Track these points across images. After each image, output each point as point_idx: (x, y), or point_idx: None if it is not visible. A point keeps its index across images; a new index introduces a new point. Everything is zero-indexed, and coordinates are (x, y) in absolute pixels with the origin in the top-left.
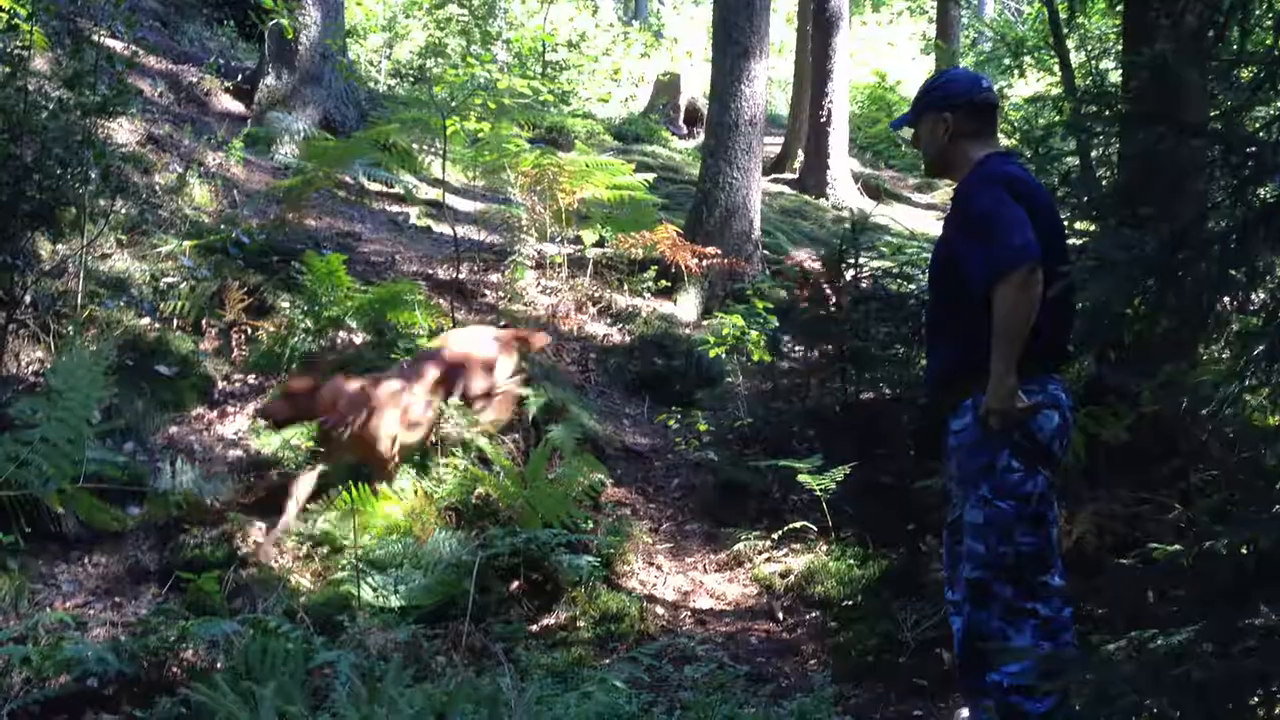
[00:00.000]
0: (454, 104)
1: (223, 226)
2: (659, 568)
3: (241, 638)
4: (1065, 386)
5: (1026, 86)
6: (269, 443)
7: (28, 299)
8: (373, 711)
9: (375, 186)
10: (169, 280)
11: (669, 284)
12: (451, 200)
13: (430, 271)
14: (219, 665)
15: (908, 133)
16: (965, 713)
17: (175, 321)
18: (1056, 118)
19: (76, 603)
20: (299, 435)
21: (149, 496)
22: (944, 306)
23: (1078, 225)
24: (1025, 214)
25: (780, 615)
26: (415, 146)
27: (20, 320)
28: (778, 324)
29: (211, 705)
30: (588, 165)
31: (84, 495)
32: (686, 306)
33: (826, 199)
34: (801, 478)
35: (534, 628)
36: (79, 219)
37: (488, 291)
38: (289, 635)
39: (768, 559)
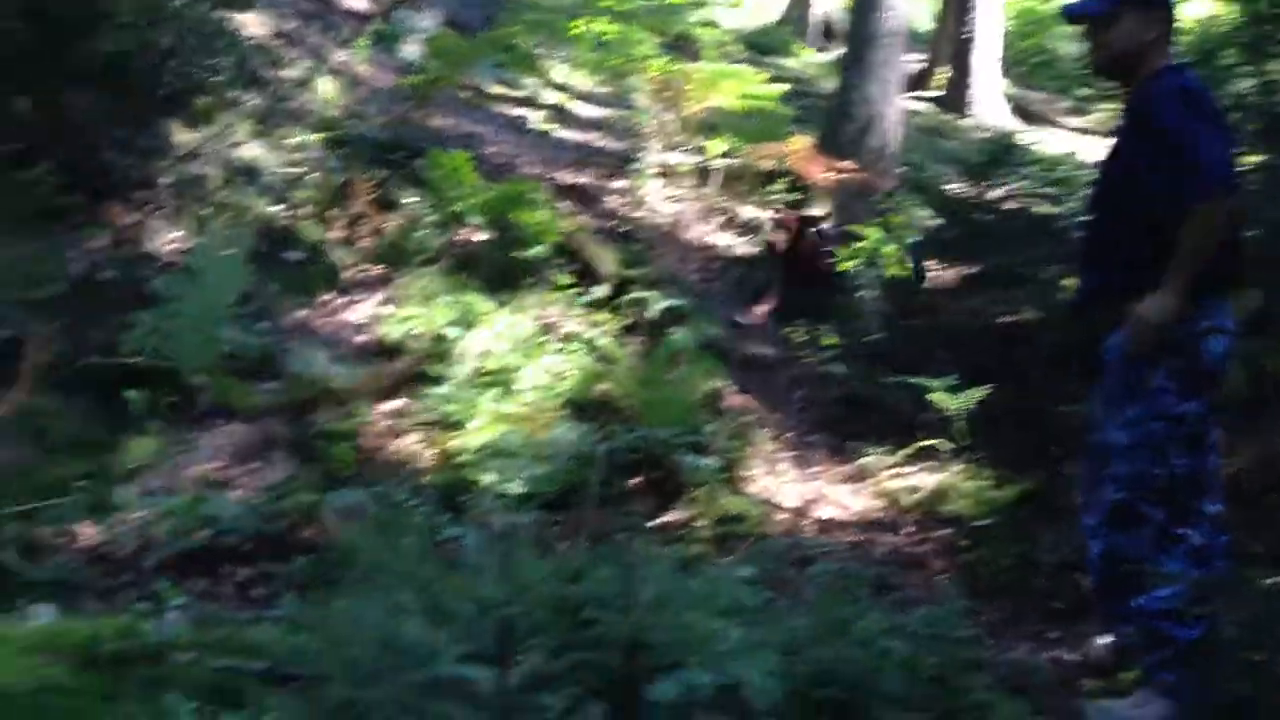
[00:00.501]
0: (581, 6)
1: (350, 121)
2: (781, 475)
3: (371, 508)
4: (1232, 313)
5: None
6: (394, 330)
7: (165, 182)
8: (510, 565)
9: (498, 89)
10: (298, 170)
11: (798, 197)
12: (575, 105)
13: (551, 175)
14: (346, 533)
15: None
16: (1104, 639)
17: (304, 210)
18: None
19: (215, 466)
20: (419, 322)
21: (282, 376)
22: (1109, 224)
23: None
24: (1220, 134)
25: (907, 530)
26: (540, 49)
27: (158, 203)
28: (915, 240)
29: (352, 551)
30: (717, 73)
31: (220, 371)
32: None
33: (970, 118)
34: (935, 396)
35: (653, 524)
36: (212, 107)
37: (609, 198)
38: (416, 509)
39: (895, 475)
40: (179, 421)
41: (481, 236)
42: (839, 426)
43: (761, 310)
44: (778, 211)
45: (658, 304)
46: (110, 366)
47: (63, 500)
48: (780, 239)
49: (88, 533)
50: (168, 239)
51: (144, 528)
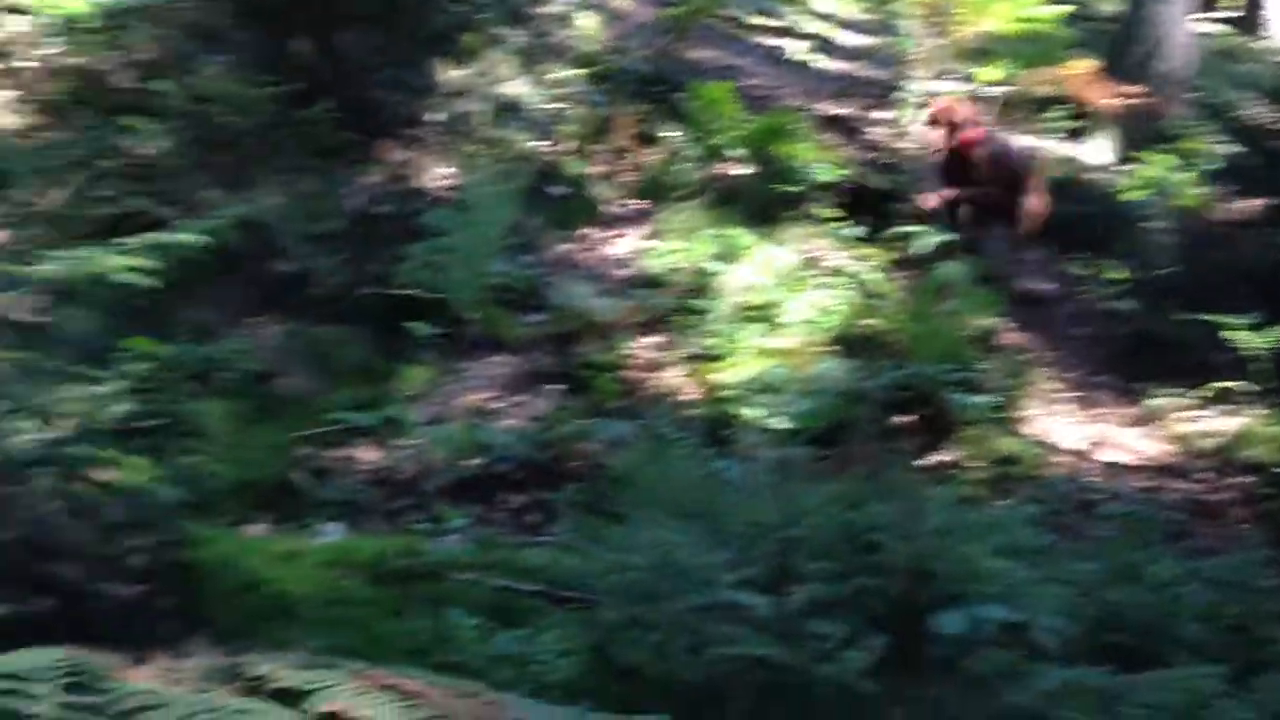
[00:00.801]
0: None
1: (611, 55)
2: (1060, 416)
3: (637, 439)
4: None
5: None
6: (656, 264)
7: (433, 119)
8: (788, 490)
9: (758, 19)
10: (561, 106)
11: (1079, 125)
12: (836, 34)
13: (813, 107)
14: (614, 462)
15: None
16: None
17: (566, 145)
18: None
19: (485, 396)
20: (681, 256)
21: (547, 309)
22: None
23: None
24: None
25: (1202, 476)
26: None
27: (427, 140)
28: (1208, 170)
29: (625, 479)
30: None
31: (488, 302)
32: (1099, 149)
33: (1266, 40)
34: (1234, 334)
35: (922, 463)
36: (478, 45)
37: (872, 129)
38: (680, 442)
39: (1188, 418)
40: (450, 351)
41: (742, 170)
42: (1125, 366)
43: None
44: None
45: (926, 237)
46: (386, 298)
47: (346, 425)
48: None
49: (370, 456)
50: (437, 175)
51: (422, 453)
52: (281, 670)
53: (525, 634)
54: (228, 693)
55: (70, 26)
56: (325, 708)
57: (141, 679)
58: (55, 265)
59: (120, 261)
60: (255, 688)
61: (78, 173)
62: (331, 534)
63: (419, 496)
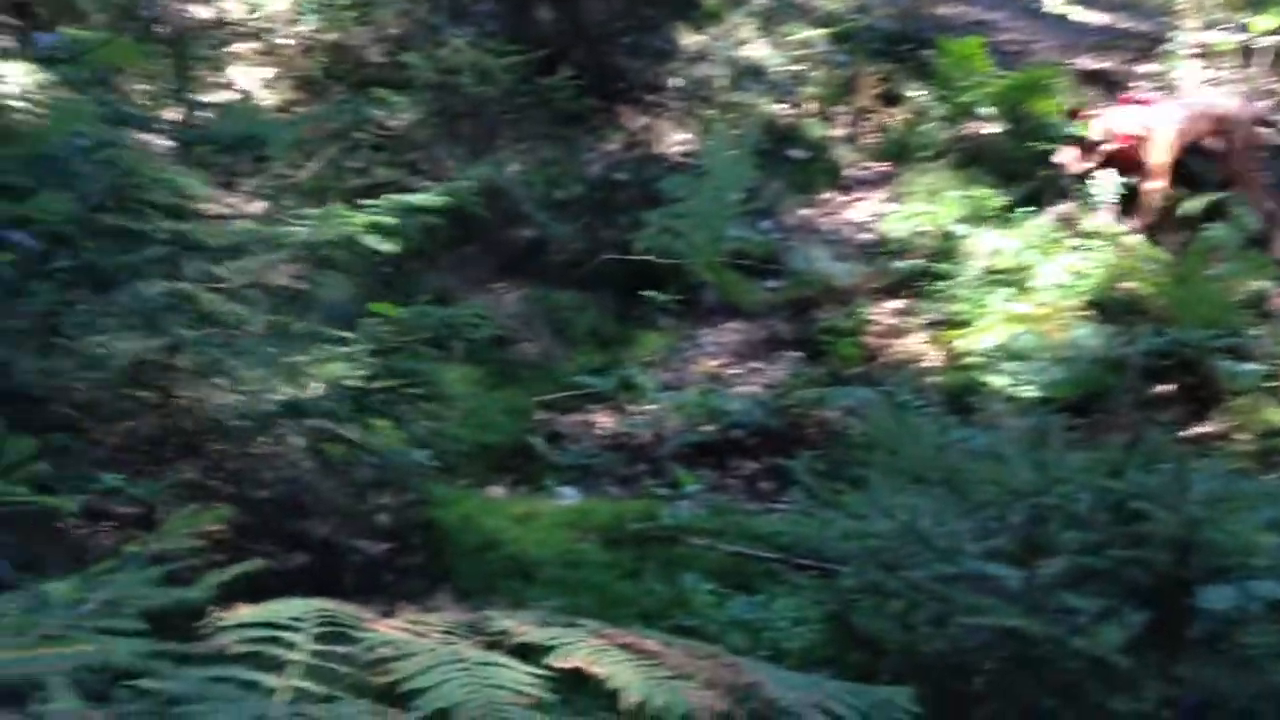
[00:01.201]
0: None
1: (854, 14)
2: None
3: (875, 407)
4: None
5: None
6: (899, 227)
7: (673, 84)
8: (1037, 457)
9: None
10: (802, 68)
11: None
12: None
13: (1070, 61)
14: (853, 429)
15: None
16: None
17: (807, 108)
18: None
19: (720, 362)
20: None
21: (784, 274)
22: None
23: None
24: None
25: None
26: None
27: (667, 105)
28: None
29: (864, 445)
30: None
31: (725, 268)
32: None
33: None
34: None
35: (1185, 434)
36: (719, 8)
37: (1137, 83)
38: (921, 410)
39: None
40: (687, 317)
41: (992, 128)
42: None
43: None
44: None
45: (1193, 198)
46: (624, 264)
47: (584, 390)
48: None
49: (607, 421)
50: (676, 140)
51: (658, 418)
52: (522, 626)
53: (761, 600)
54: (471, 646)
55: (324, 4)
56: (564, 663)
57: (390, 630)
58: (306, 227)
59: (364, 220)
60: (497, 642)
61: (331, 145)
62: (569, 497)
63: (654, 461)
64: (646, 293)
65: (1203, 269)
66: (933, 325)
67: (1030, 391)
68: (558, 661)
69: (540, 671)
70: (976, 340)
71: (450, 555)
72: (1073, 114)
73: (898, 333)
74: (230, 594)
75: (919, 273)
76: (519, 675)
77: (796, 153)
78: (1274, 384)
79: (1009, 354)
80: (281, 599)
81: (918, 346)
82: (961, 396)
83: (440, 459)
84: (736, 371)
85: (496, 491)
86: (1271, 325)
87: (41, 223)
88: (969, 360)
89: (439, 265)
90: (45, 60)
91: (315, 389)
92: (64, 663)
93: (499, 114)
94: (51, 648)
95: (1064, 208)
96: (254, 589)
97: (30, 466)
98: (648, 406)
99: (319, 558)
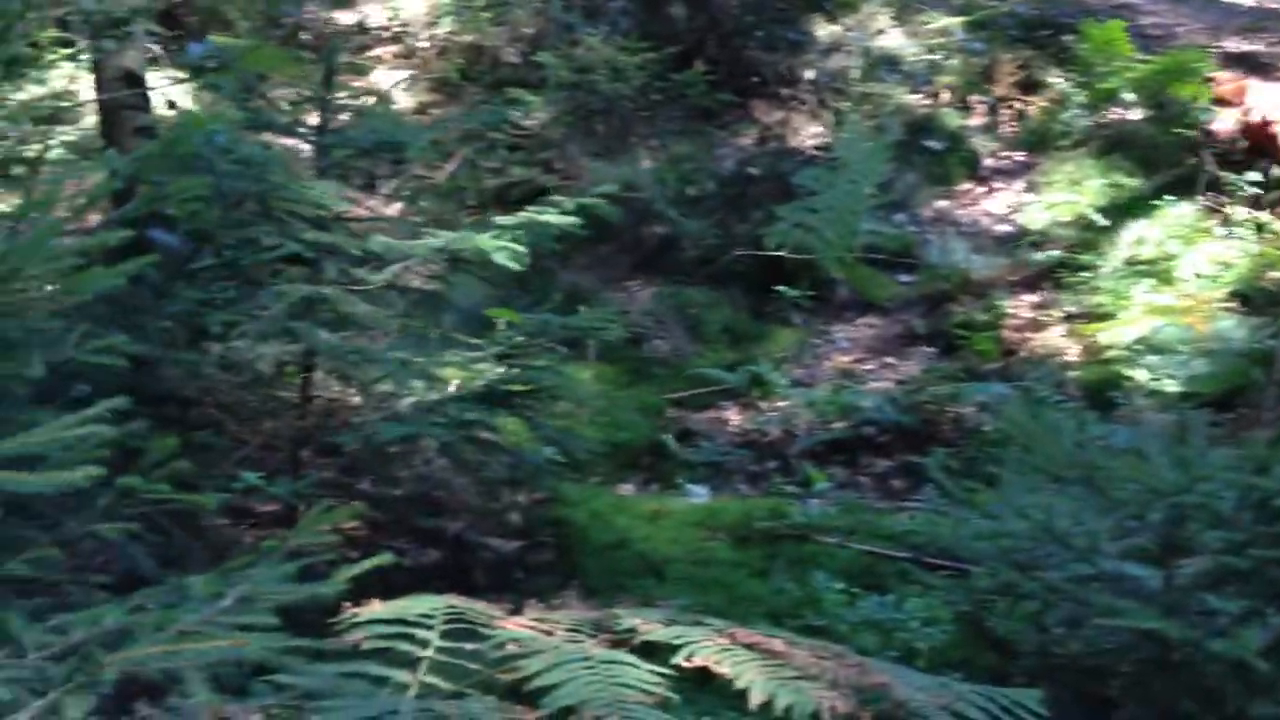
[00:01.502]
0: None
1: (994, 2)
2: None
3: (1012, 403)
4: None
5: None
6: (1037, 218)
7: (807, 77)
8: (1178, 455)
9: None
10: (939, 56)
11: None
12: None
13: (1216, 44)
14: (988, 426)
15: None
16: None
17: (943, 97)
18: None
19: (852, 358)
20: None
21: (919, 268)
22: None
23: None
24: None
25: None
26: None
27: (801, 98)
28: None
29: (1001, 443)
30: None
31: (859, 263)
32: None
33: None
34: None
35: None
36: None
37: None
38: (1060, 405)
39: None
40: (820, 313)
41: (1135, 115)
42: None
43: None
44: None
45: None
46: (757, 260)
47: (715, 388)
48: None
49: (738, 419)
50: (809, 133)
51: (789, 416)
52: (648, 624)
53: (892, 600)
54: (597, 644)
55: (462, 6)
56: (689, 662)
57: (516, 627)
58: (438, 242)
59: (493, 244)
60: (623, 640)
61: (467, 146)
62: (699, 495)
63: (785, 459)
64: (779, 288)
65: None
66: (1072, 318)
67: (1172, 386)
68: (684, 661)
69: (665, 670)
70: (1117, 333)
71: (580, 553)
72: (1219, 99)
73: (1036, 326)
74: (363, 589)
75: (1058, 264)
76: (644, 674)
77: (932, 143)
78: None
79: (1150, 347)
80: (412, 595)
81: (1057, 340)
82: (1101, 392)
83: (571, 457)
84: (869, 367)
85: (627, 489)
86: None
87: (183, 220)
88: (1109, 354)
89: (573, 264)
90: (195, 68)
91: (448, 390)
92: (201, 658)
93: (632, 111)
94: (190, 643)
95: (1209, 196)
96: (386, 585)
97: (173, 464)
98: (779, 403)
99: (451, 554)
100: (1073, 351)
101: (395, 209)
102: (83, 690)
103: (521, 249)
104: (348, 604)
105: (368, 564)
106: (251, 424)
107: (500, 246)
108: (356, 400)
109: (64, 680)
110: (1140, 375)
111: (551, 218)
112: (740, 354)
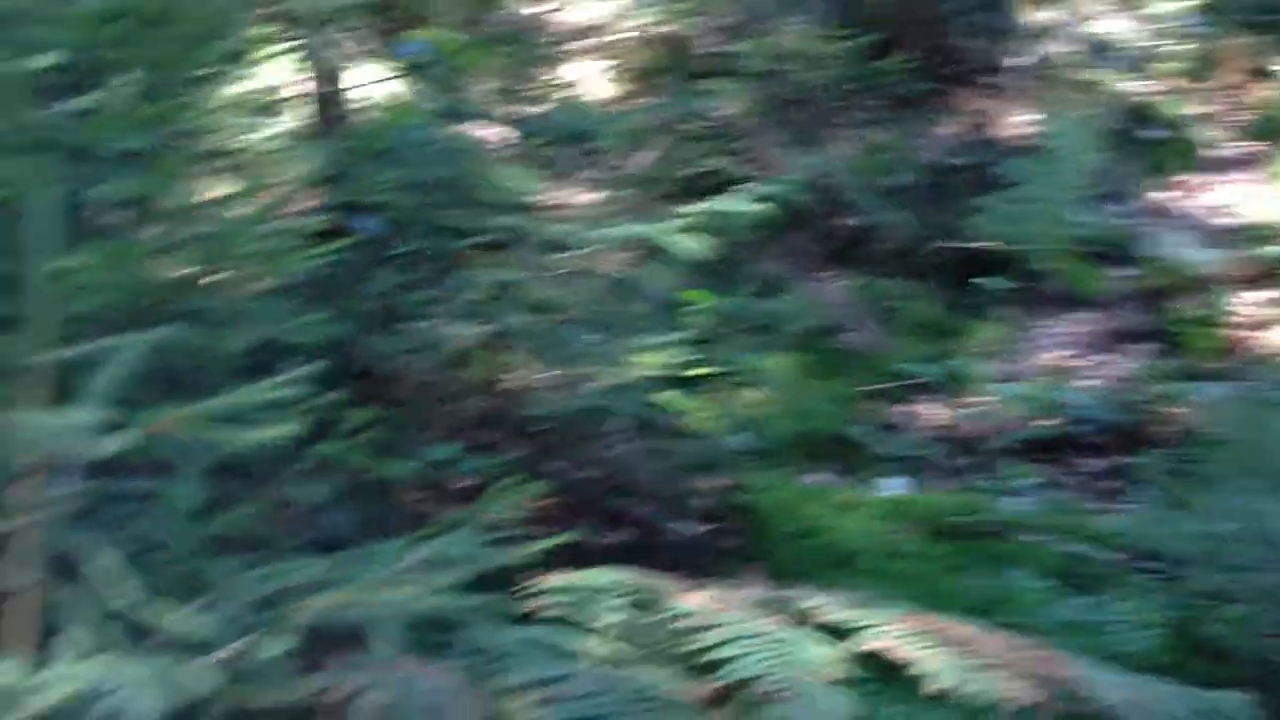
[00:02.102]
0: None
1: None
2: None
3: (1231, 403)
4: None
5: None
6: (1266, 210)
7: (1013, 64)
8: None
9: None
10: (1159, 41)
11: None
12: None
13: None
14: (1206, 428)
15: None
16: None
17: (1163, 84)
18: None
19: (1063, 354)
20: None
21: (1134, 261)
22: None
23: None
24: None
25: None
26: None
27: (1006, 86)
28: None
29: (1219, 444)
30: None
31: (1070, 255)
32: None
33: None
34: None
35: None
36: None
37: None
38: None
39: None
40: (1025, 307)
41: None
42: None
43: None
44: None
45: None
46: (957, 252)
47: (912, 381)
48: None
49: (936, 413)
50: (1016, 122)
51: (991, 411)
52: (829, 606)
53: (1097, 601)
54: (774, 621)
55: None
56: (869, 645)
57: (695, 603)
58: (624, 229)
59: (680, 235)
60: (801, 619)
61: (663, 136)
62: (893, 488)
63: (985, 455)
64: (980, 280)
65: None
66: None
67: None
68: (862, 644)
69: (843, 652)
70: None
71: (766, 540)
72: None
73: (1262, 324)
74: (549, 565)
75: None
76: (821, 653)
77: (1150, 132)
78: None
79: None
80: (597, 568)
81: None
82: None
83: (761, 445)
84: (1080, 364)
85: (816, 479)
86: None
87: (383, 207)
88: None
89: (766, 253)
90: (408, 65)
91: (638, 374)
92: (394, 609)
93: (829, 100)
94: (383, 593)
95: None
96: (574, 562)
97: (368, 434)
98: (980, 398)
99: (638, 536)
100: None
101: (588, 199)
102: (280, 633)
103: (704, 238)
104: (534, 574)
105: (558, 539)
106: (443, 403)
107: (682, 235)
108: (547, 383)
109: (262, 624)
110: None
111: (740, 205)
112: (938, 347)
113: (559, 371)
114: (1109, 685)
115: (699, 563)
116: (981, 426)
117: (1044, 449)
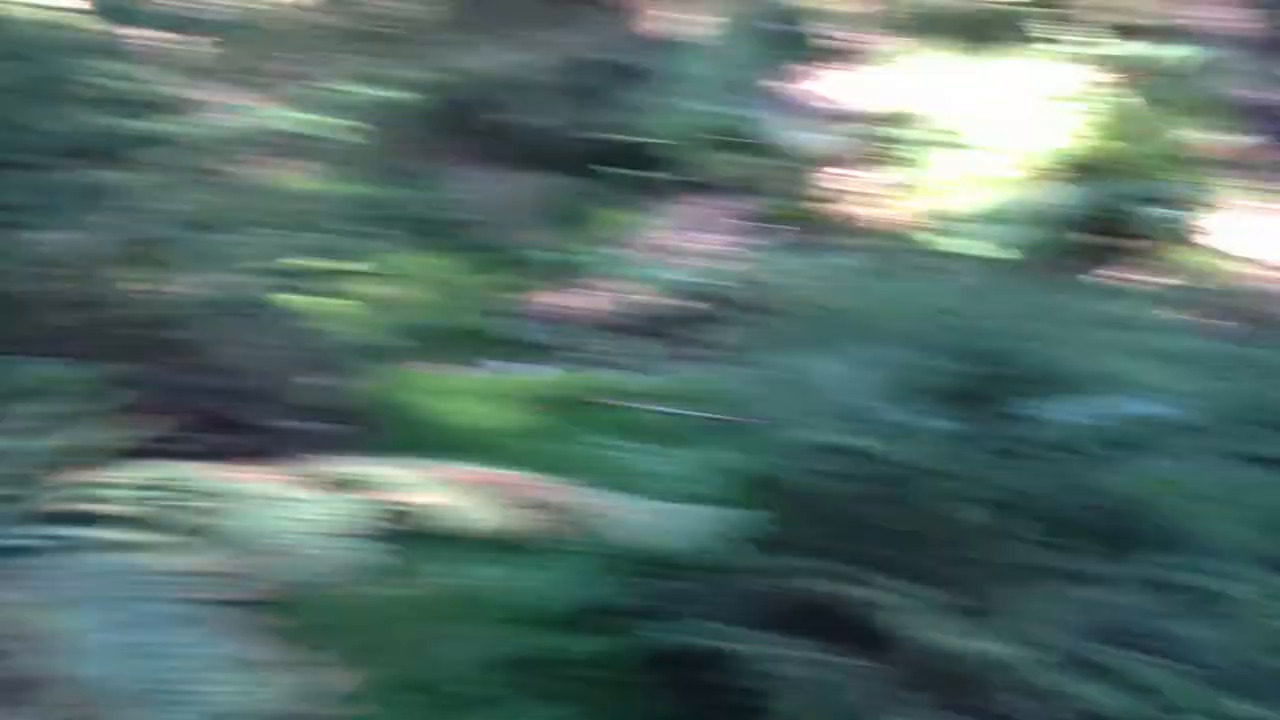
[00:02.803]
0: None
1: None
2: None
3: (838, 271)
4: None
5: None
6: (869, 97)
7: None
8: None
9: None
10: None
11: None
12: None
13: None
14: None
15: None
16: None
17: None
18: None
19: (687, 236)
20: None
21: (759, 148)
22: None
23: None
24: None
25: None
26: None
27: None
28: None
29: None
30: None
31: (699, 145)
32: None
33: None
34: None
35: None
36: None
37: None
38: (881, 271)
39: None
40: (658, 194)
41: None
42: None
43: None
44: None
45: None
46: (598, 144)
47: (546, 268)
48: None
49: (561, 299)
50: (662, 19)
51: (619, 293)
52: (372, 469)
53: (681, 454)
54: (311, 489)
55: None
56: (406, 498)
57: (232, 480)
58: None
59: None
60: (343, 485)
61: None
62: (516, 371)
63: (611, 333)
64: (615, 170)
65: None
66: (898, 190)
67: (989, 250)
68: (400, 497)
69: (370, 508)
70: (940, 203)
71: (382, 430)
72: None
73: (865, 200)
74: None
75: (887, 140)
76: (345, 509)
77: (777, 27)
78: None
79: (972, 215)
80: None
81: (883, 212)
82: (923, 258)
83: (387, 340)
84: (704, 245)
85: (446, 369)
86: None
87: None
88: (932, 223)
89: (412, 148)
90: None
91: (256, 275)
92: None
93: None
94: None
95: (1037, 67)
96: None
97: None
98: (609, 282)
99: (238, 434)
100: (898, 222)
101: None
102: None
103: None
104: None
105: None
106: (35, 314)
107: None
108: (153, 289)
109: None
110: (959, 242)
111: (385, 94)
112: (575, 236)
113: (172, 276)
114: (629, 512)
115: (305, 455)
116: (609, 307)
117: (659, 324)
